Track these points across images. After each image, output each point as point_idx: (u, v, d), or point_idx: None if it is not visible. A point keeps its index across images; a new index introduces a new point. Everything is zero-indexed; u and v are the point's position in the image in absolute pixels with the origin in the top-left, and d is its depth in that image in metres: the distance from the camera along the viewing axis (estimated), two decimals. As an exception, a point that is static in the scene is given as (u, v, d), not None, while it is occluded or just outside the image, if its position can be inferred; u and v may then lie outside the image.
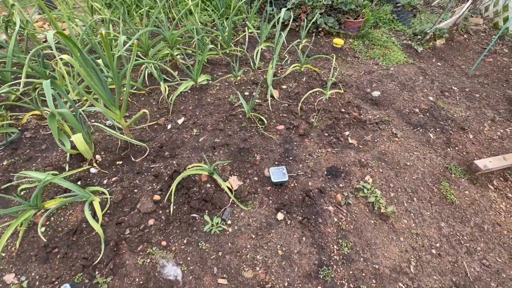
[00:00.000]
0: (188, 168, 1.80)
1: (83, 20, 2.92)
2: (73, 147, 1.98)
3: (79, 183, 1.78)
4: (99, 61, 2.44)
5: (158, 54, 2.77)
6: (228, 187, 1.69)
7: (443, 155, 2.13)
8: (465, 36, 4.08)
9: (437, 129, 2.34)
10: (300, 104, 2.33)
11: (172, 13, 3.70)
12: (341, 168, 1.92)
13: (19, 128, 2.26)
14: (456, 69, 3.30)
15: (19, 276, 1.36)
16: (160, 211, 1.61)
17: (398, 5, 3.95)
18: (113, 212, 1.60)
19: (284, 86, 2.69)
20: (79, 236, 1.49)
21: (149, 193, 1.68)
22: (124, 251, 1.43)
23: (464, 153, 2.18)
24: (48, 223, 1.54)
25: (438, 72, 3.17)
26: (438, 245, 1.58)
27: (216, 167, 1.80)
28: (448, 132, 2.32)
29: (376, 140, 2.20)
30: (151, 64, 2.53)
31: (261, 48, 3.29)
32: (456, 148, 2.21)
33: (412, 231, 1.62)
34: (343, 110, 2.41)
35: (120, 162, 1.95)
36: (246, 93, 2.60)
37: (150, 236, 1.50)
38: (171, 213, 1.59)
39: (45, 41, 3.71)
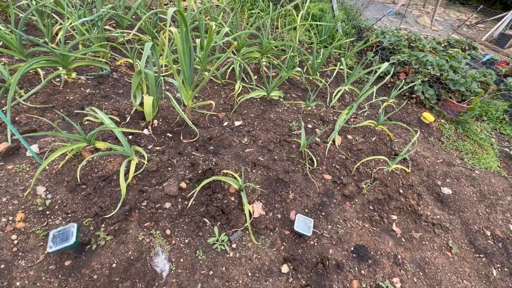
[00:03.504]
0: (223, 172, 1.79)
1: (202, 1, 3.20)
2: (141, 103, 2.15)
3: (130, 137, 1.91)
4: (197, 40, 2.63)
5: (248, 54, 2.86)
6: (249, 211, 1.62)
7: (499, 303, 1.72)
8: None
9: (505, 269, 1.90)
10: (358, 164, 2.14)
11: (278, 22, 3.81)
12: (372, 252, 1.69)
13: (111, 67, 2.55)
14: (559, 209, 2.68)
15: (47, 192, 1.49)
16: (179, 199, 1.62)
17: (515, 107, 3.41)
18: (142, 178, 1.66)
19: (349, 136, 2.52)
20: (107, 184, 1.58)
21: (178, 177, 1.71)
22: (133, 219, 1.47)
23: (528, 315, 1.72)
24: (90, 159, 1.68)
25: (533, 202, 2.62)
26: None
27: (246, 186, 1.74)
28: (518, 279, 1.87)
29: (424, 242, 1.89)
30: (237, 61, 2.62)
31: (344, 89, 3.16)
32: (521, 303, 1.76)
33: None
34: (401, 191, 2.14)
35: (170, 135, 2.04)
36: (309, 126, 2.51)
37: (160, 218, 1.51)
38: (188, 206, 1.59)
39: (166, 4, 4.19)
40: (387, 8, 7.32)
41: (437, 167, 2.57)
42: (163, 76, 2.24)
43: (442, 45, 5.23)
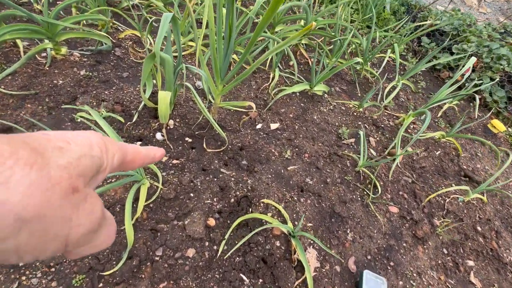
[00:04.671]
0: (262, 203, 1.33)
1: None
2: (152, 94, 1.64)
3: (138, 144, 1.43)
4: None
5: (283, 34, 2.26)
6: (301, 265, 1.18)
7: None
8: None
9: None
10: (432, 196, 1.65)
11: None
12: (456, 323, 1.28)
13: (113, 41, 1.99)
14: None
15: (22, 230, 1.05)
16: (207, 243, 1.17)
17: None
18: (155, 209, 1.20)
19: (409, 149, 2.02)
20: (106, 220, 1.12)
21: (204, 210, 1.25)
22: (143, 276, 1.03)
23: None
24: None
25: None
26: None
27: (298, 232, 1.29)
28: None
29: (511, 302, 1.48)
30: (274, 44, 2.04)
31: (397, 85, 2.59)
32: None
33: None
34: (479, 228, 1.69)
35: (190, 140, 1.55)
36: (360, 132, 1.99)
37: (181, 273, 1.07)
38: (218, 255, 1.15)
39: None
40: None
41: (510, 191, 2.10)
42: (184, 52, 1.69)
43: (498, 31, 4.49)
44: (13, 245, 0.17)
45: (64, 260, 1.01)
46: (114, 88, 1.68)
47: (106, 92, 1.62)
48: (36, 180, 0.17)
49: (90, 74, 1.70)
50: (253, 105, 1.48)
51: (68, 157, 0.20)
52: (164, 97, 1.27)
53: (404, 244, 1.45)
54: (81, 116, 1.46)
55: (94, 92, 1.60)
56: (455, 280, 1.47)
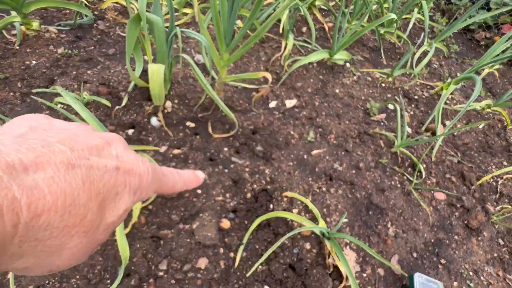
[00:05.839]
0: (286, 196, 1.09)
1: None
2: (144, 72, 1.37)
3: (130, 132, 1.18)
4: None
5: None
6: (340, 270, 0.96)
7: None
8: None
9: None
10: (485, 179, 1.39)
11: None
12: (524, 329, 1.07)
13: (94, 13, 1.69)
14: None
15: None
16: (221, 250, 0.96)
17: None
18: (155, 212, 0.98)
19: (447, 122, 1.73)
20: (95, 229, 0.91)
21: (216, 209, 1.02)
22: (145, 297, 0.83)
23: None
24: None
25: None
26: None
27: (335, 233, 1.06)
28: None
29: None
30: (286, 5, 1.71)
31: (427, 50, 2.24)
32: None
33: None
34: (537, 212, 1.44)
35: (192, 125, 1.30)
36: (390, 107, 1.71)
37: (192, 290, 0.87)
38: (237, 264, 0.93)
39: None
40: None
41: None
42: (177, 24, 1.39)
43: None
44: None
45: (47, 282, 0.81)
46: (98, 67, 1.41)
47: (89, 72, 1.36)
48: (86, 249, 0.19)
49: (70, 52, 1.43)
50: (269, 76, 1.20)
51: (117, 212, 0.20)
52: (156, 71, 1.00)
53: (456, 237, 1.21)
54: (60, 103, 1.22)
55: (75, 72, 1.34)
56: (514, 275, 1.25)
